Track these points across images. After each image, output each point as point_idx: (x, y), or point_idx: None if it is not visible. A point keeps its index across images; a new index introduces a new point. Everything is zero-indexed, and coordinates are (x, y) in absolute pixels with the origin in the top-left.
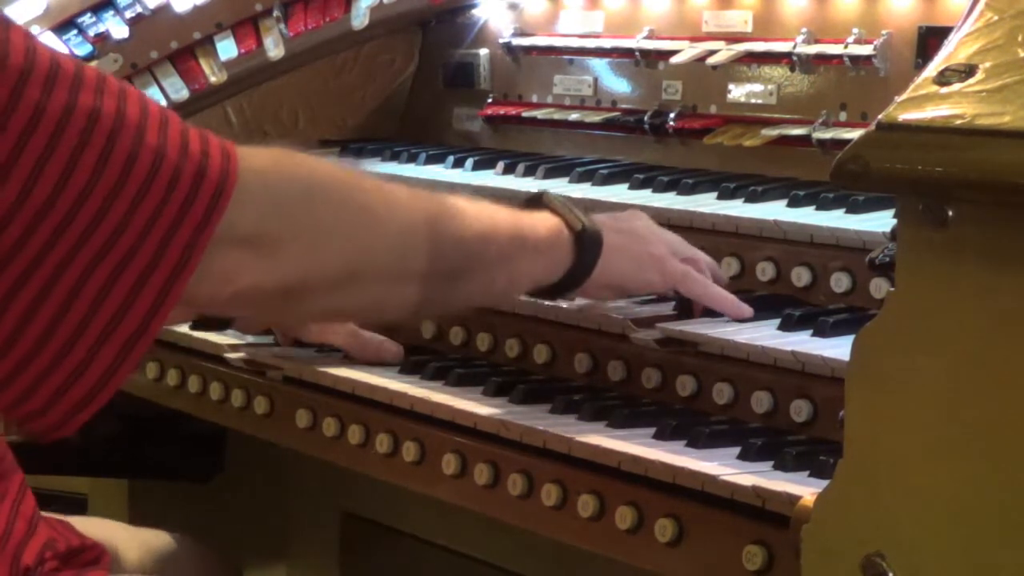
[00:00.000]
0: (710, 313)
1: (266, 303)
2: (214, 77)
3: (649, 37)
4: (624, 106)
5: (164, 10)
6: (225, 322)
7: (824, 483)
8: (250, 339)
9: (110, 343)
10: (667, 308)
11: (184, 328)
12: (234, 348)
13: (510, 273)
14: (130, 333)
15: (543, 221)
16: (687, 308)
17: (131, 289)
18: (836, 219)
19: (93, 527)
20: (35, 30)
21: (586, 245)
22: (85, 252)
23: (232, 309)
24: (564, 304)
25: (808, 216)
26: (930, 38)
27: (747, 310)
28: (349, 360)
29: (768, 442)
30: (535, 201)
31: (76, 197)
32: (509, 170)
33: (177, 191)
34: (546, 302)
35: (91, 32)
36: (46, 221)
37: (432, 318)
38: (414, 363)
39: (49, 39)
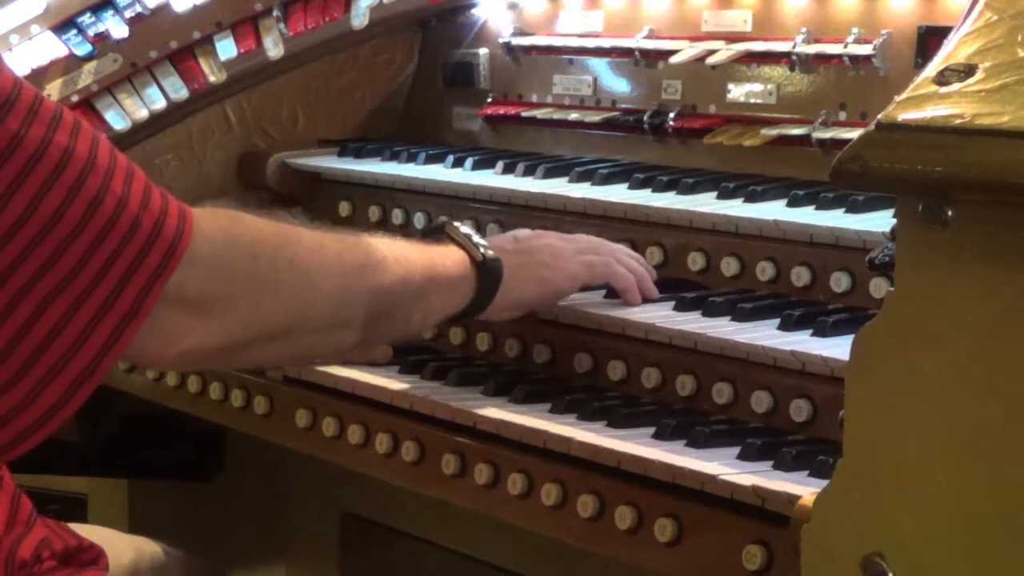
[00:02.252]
0: (712, 311)
1: (208, 359)
2: (214, 77)
3: (649, 37)
4: (624, 106)
5: (164, 10)
6: None
7: (824, 483)
8: None
9: (59, 379)
10: (668, 309)
11: None
12: None
13: (425, 310)
14: (79, 371)
15: (450, 256)
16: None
17: (84, 328)
18: (836, 219)
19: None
20: (35, 30)
21: (487, 275)
22: (42, 287)
23: (176, 367)
24: (564, 304)
25: (808, 216)
26: (930, 38)
27: (640, 297)
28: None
29: (768, 442)
30: (438, 231)
31: (39, 230)
32: (509, 170)
33: (135, 240)
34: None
35: (91, 32)
36: (8, 249)
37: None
38: (414, 363)
39: (49, 39)
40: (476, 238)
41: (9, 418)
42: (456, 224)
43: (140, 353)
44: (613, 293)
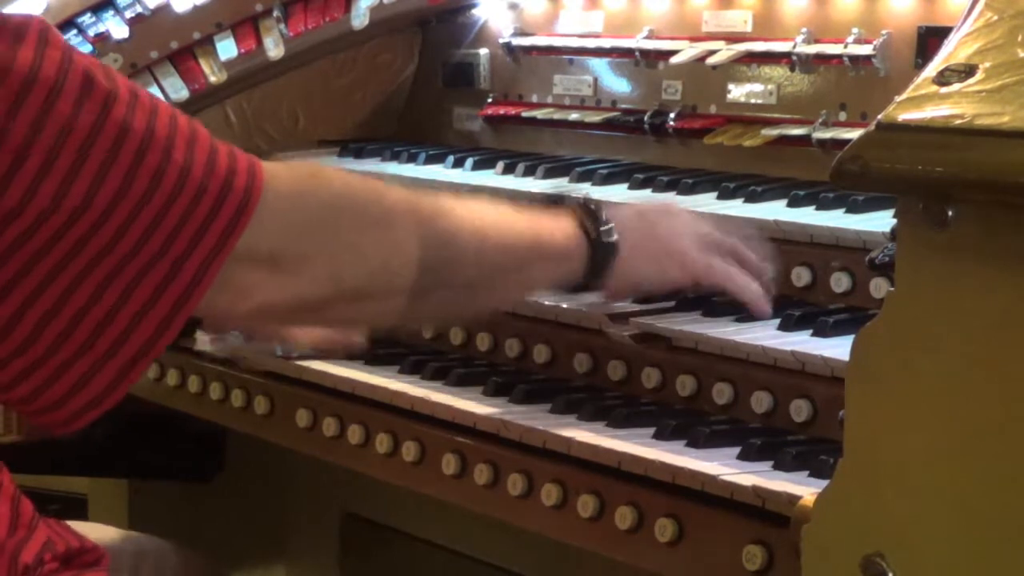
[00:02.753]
0: (712, 311)
1: (281, 318)
2: (214, 77)
3: (649, 37)
4: (624, 106)
5: (164, 10)
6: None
7: (824, 483)
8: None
9: (125, 348)
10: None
11: None
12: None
13: (526, 280)
14: (143, 342)
15: (561, 228)
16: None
17: (147, 301)
18: (836, 219)
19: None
20: None
21: (600, 254)
22: (108, 261)
23: (247, 322)
24: (564, 304)
25: (808, 216)
26: (930, 38)
27: (766, 310)
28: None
29: (768, 442)
30: (556, 201)
31: (103, 210)
32: (509, 170)
33: (200, 208)
34: (546, 302)
35: (91, 32)
36: (71, 232)
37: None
38: (414, 363)
39: None
40: (599, 213)
41: (82, 384)
42: (578, 195)
43: (210, 308)
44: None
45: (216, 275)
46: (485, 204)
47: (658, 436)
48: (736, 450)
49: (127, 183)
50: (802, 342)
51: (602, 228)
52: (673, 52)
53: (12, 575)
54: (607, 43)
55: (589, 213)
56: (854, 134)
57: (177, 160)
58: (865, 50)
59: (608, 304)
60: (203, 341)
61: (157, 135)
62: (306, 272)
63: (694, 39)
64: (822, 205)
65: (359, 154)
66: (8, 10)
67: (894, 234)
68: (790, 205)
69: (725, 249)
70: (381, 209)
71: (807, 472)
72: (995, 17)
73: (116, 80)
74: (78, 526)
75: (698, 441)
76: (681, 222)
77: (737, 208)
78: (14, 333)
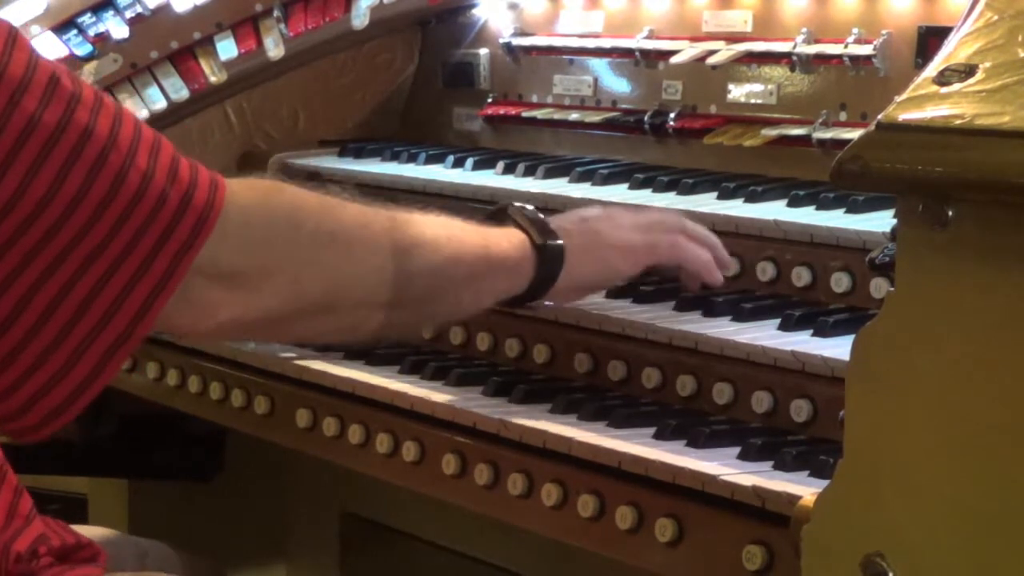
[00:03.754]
0: (712, 311)
1: (247, 333)
2: (214, 77)
3: (649, 37)
4: (624, 106)
5: (164, 10)
6: None
7: (824, 483)
8: None
9: (92, 350)
10: (668, 309)
11: None
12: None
13: (476, 292)
14: (112, 341)
15: (508, 237)
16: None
17: (114, 300)
18: (836, 219)
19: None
20: (35, 30)
21: (547, 258)
22: (71, 261)
23: (215, 339)
24: (565, 304)
25: (808, 216)
26: (930, 38)
27: (717, 276)
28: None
29: (768, 442)
30: (500, 214)
31: (64, 208)
32: (509, 170)
33: (162, 214)
34: (546, 302)
35: (91, 32)
36: (33, 228)
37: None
38: (414, 363)
39: (49, 39)
40: (540, 218)
41: (45, 391)
42: (520, 205)
43: (174, 325)
44: (614, 293)
45: (182, 279)
46: (437, 218)
47: (658, 436)
48: (736, 450)
49: (88, 183)
50: (802, 342)
51: (547, 236)
52: (673, 52)
53: (3, 562)
54: (607, 43)
55: (533, 222)
56: (854, 134)
57: (140, 166)
58: (865, 50)
59: (609, 304)
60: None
61: (120, 140)
62: (267, 288)
63: (694, 39)
64: (822, 205)
65: (359, 154)
66: (6, 11)
67: (894, 234)
68: (790, 205)
69: (669, 227)
70: (339, 225)
71: (807, 472)
72: (995, 17)
73: (81, 85)
74: (80, 529)
75: (698, 441)
76: (621, 218)
77: (737, 208)
78: None
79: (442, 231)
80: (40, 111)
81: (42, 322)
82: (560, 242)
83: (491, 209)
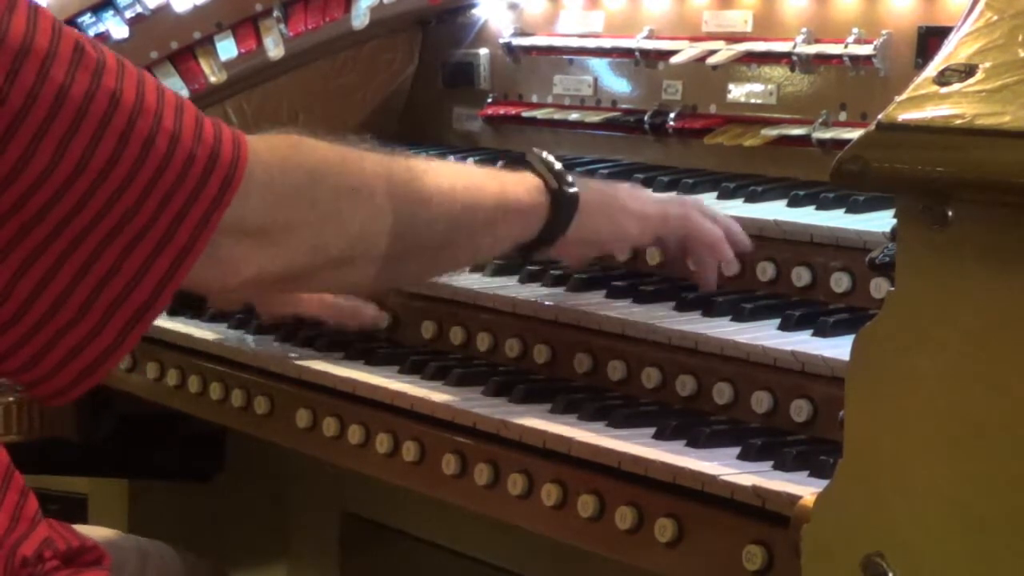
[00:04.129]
0: (712, 311)
1: (272, 287)
2: (214, 77)
3: (649, 37)
4: (624, 106)
5: (164, 10)
6: (201, 301)
7: (824, 483)
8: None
9: (119, 315)
10: (668, 309)
11: (185, 328)
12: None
13: (493, 237)
14: (137, 307)
15: (523, 183)
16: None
17: (141, 265)
18: (836, 219)
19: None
20: None
21: (561, 204)
22: (101, 227)
23: (240, 294)
24: (564, 305)
25: (808, 216)
26: (930, 38)
27: (727, 253)
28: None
29: (768, 442)
30: (518, 160)
31: (96, 175)
32: None
33: (190, 175)
34: (546, 302)
35: (91, 32)
36: (68, 195)
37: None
38: (414, 363)
39: None
40: (558, 167)
41: (73, 355)
42: (538, 151)
43: (202, 284)
44: (614, 293)
45: (208, 241)
46: (454, 165)
47: (658, 436)
48: (736, 450)
49: (120, 148)
50: (802, 342)
51: (564, 182)
52: (673, 52)
53: (10, 569)
54: (607, 43)
55: (550, 169)
56: (854, 134)
57: (167, 127)
58: (865, 50)
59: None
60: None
61: (147, 103)
62: (291, 242)
63: (694, 39)
64: (822, 205)
65: None
66: None
67: (894, 234)
68: (790, 205)
69: (684, 202)
70: (360, 176)
71: (807, 472)
72: (995, 17)
73: (104, 51)
74: (81, 529)
75: (698, 441)
76: (640, 191)
77: (737, 208)
78: (9, 300)
79: (459, 179)
80: (69, 81)
81: (70, 290)
82: (575, 190)
83: (509, 156)
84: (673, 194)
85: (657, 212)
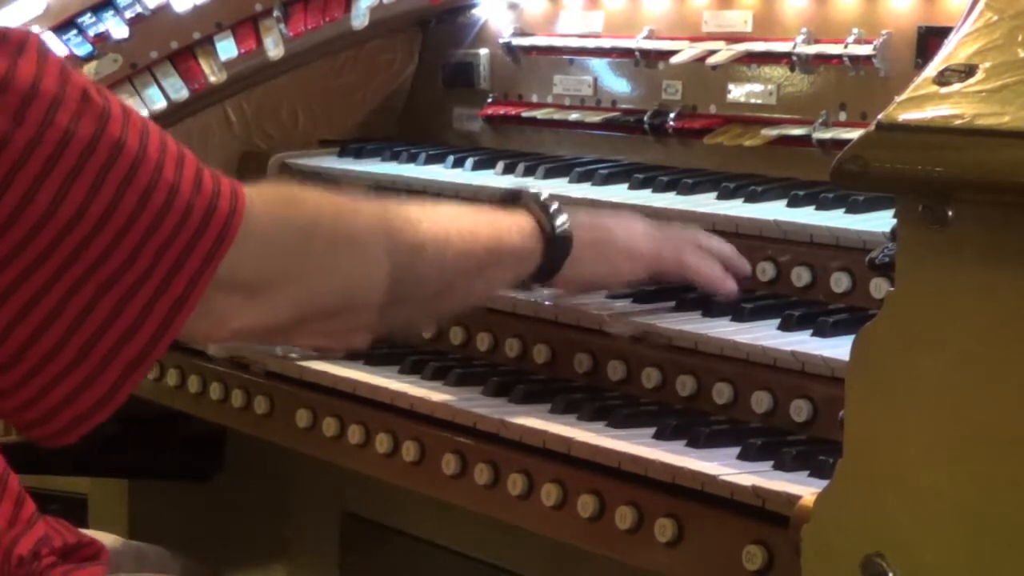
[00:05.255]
0: (712, 311)
1: (261, 339)
2: (214, 77)
3: (649, 37)
4: (624, 106)
5: (164, 10)
6: None
7: (824, 483)
8: None
9: (114, 365)
10: (668, 309)
11: None
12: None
13: (487, 281)
14: (133, 357)
15: (518, 224)
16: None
17: (138, 315)
18: (836, 219)
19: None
20: (35, 30)
21: (556, 246)
22: (99, 274)
23: (228, 343)
24: (563, 304)
25: (808, 216)
26: (930, 38)
27: (729, 286)
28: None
29: (768, 442)
30: (514, 198)
31: (95, 221)
32: (509, 170)
33: (187, 226)
34: (546, 302)
35: (91, 32)
36: (65, 242)
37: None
38: (414, 363)
39: (49, 39)
40: (553, 207)
41: (68, 402)
42: (534, 191)
43: (190, 335)
44: (613, 293)
45: (203, 294)
46: (448, 208)
47: (658, 436)
48: (736, 450)
49: (119, 196)
50: (802, 342)
51: (556, 223)
52: (673, 52)
53: (6, 568)
54: (607, 43)
55: (544, 209)
56: (854, 134)
57: (167, 178)
58: (865, 50)
59: (609, 304)
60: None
61: (149, 153)
62: (281, 296)
63: (694, 39)
64: (822, 205)
65: (359, 154)
66: (7, 10)
67: (894, 234)
68: (790, 205)
69: (679, 241)
70: (353, 229)
71: (807, 472)
72: (995, 17)
73: (109, 99)
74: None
75: (698, 441)
76: (635, 225)
77: (737, 208)
78: (7, 344)
79: (453, 226)
80: (74, 126)
81: (67, 337)
82: (569, 229)
83: (504, 191)
84: (672, 227)
85: (651, 252)
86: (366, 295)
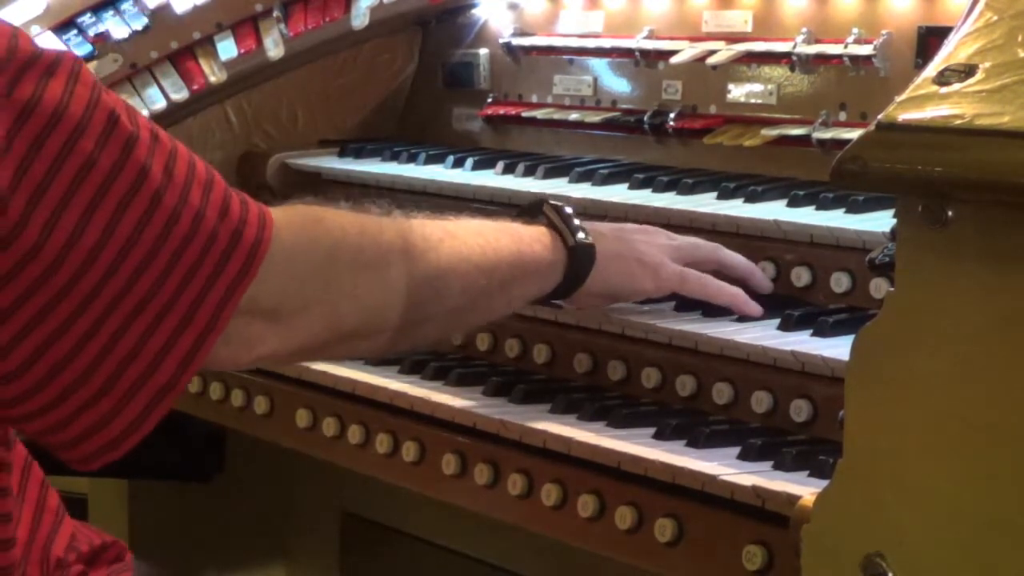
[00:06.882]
0: (712, 311)
1: (284, 362)
2: (214, 77)
3: (649, 37)
4: (624, 106)
5: (164, 10)
6: None
7: (824, 483)
8: None
9: (140, 395)
10: (668, 309)
11: None
12: None
13: (509, 297)
14: (159, 387)
15: (540, 239)
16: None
17: (164, 344)
18: (836, 219)
19: None
20: (35, 30)
21: (578, 259)
22: (124, 306)
23: (249, 368)
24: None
25: (808, 216)
26: (930, 38)
27: (752, 308)
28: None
29: (768, 442)
30: (533, 210)
31: (117, 252)
32: (509, 170)
33: (212, 252)
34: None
35: (91, 32)
36: (91, 271)
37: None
38: (414, 363)
39: (49, 39)
40: (575, 221)
41: (94, 430)
42: (555, 203)
43: (214, 361)
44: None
45: (229, 320)
46: (469, 224)
47: (658, 436)
48: (736, 450)
49: (141, 225)
50: (802, 342)
51: (579, 236)
52: (673, 52)
53: (45, 571)
54: (607, 43)
55: (566, 221)
56: (854, 134)
57: (193, 204)
58: (865, 50)
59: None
60: None
61: (175, 179)
62: (305, 322)
63: (694, 39)
64: (822, 205)
65: (359, 154)
66: (8, 11)
67: (894, 234)
68: (790, 205)
69: (703, 256)
70: (377, 251)
71: (807, 472)
72: (995, 17)
73: (139, 121)
74: None
75: (698, 441)
76: (658, 237)
77: (737, 208)
78: (34, 369)
79: (476, 243)
80: (97, 153)
81: (93, 368)
82: (591, 243)
83: (526, 203)
84: (691, 242)
85: (674, 271)
86: (385, 317)
